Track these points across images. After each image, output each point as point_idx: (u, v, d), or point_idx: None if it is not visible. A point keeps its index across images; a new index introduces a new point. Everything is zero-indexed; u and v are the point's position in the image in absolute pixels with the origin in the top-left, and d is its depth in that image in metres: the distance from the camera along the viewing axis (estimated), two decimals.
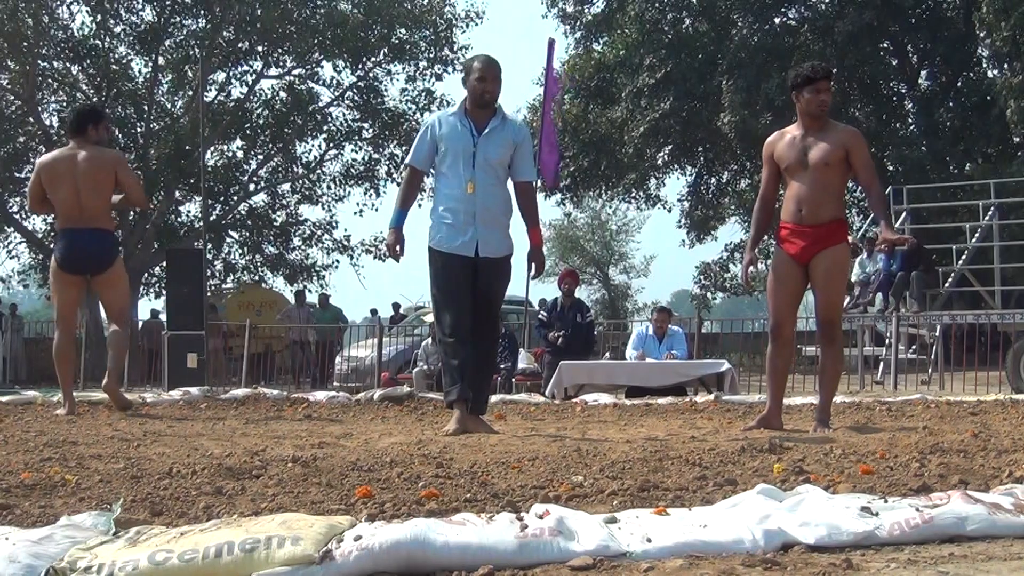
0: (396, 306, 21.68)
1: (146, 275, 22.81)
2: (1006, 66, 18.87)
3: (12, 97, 22.00)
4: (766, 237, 7.41)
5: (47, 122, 22.31)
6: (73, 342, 7.02)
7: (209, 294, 15.30)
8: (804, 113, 5.18)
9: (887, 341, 13.10)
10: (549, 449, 4.02)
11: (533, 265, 5.42)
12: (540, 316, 11.98)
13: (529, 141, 5.45)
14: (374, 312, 21.34)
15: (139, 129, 22.35)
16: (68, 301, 6.77)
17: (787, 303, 5.29)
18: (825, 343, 5.37)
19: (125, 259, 21.46)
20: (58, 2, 22.09)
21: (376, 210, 34.94)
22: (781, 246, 5.26)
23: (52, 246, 6.69)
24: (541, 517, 2.12)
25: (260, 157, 24.27)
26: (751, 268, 5.41)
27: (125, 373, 14.90)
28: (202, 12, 22.48)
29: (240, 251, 24.43)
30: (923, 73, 23.51)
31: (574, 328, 11.12)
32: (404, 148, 23.10)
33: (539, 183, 12.89)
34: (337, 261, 24.74)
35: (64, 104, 22.62)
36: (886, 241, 5.40)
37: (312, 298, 20.72)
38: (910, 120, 23.37)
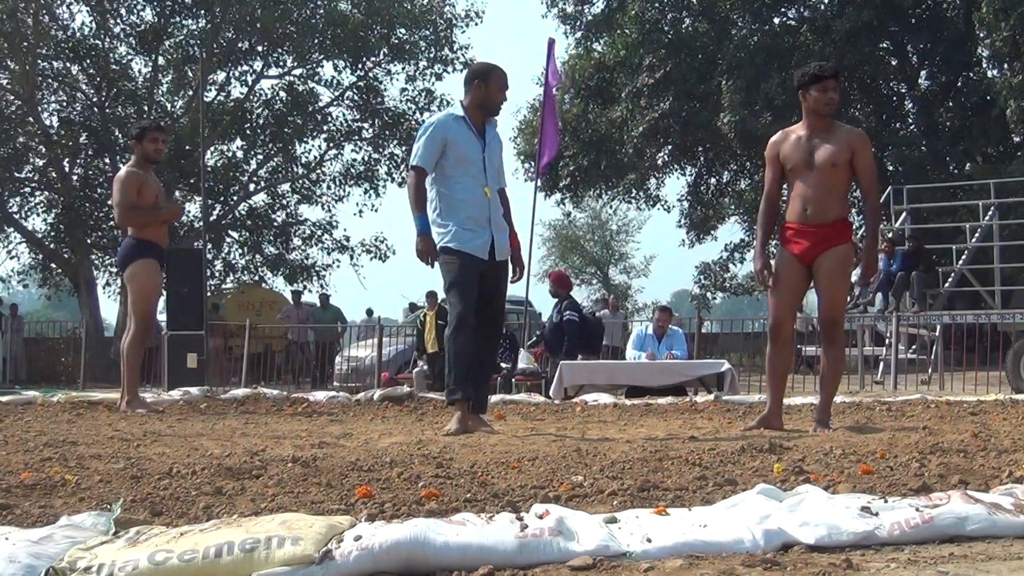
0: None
1: None
2: (1006, 66, 18.86)
3: (12, 97, 22.00)
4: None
5: (47, 122, 22.33)
6: (122, 334, 7.46)
7: (209, 294, 15.30)
8: (811, 112, 5.13)
9: (887, 341, 13.09)
10: (549, 449, 4.02)
11: (515, 268, 5.48)
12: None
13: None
14: (370, 312, 21.30)
15: None
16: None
17: (788, 303, 5.27)
18: (827, 343, 5.36)
19: None
20: (58, 2, 22.11)
21: (375, 210, 35.03)
22: (785, 246, 5.24)
23: None
24: (541, 517, 2.12)
25: (260, 157, 24.27)
26: (765, 271, 5.28)
27: None
28: (202, 12, 22.49)
29: (240, 251, 24.42)
30: (923, 73, 23.51)
31: (551, 327, 11.28)
32: (404, 148, 23.09)
33: (542, 166, 12.97)
34: (337, 261, 24.76)
35: (64, 104, 22.64)
36: (868, 264, 5.44)
37: (312, 298, 20.70)
38: (910, 120, 23.37)
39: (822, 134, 5.11)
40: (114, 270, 21.10)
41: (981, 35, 18.96)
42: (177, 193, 22.85)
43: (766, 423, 5.20)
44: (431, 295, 14.03)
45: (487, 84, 5.23)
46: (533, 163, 17.04)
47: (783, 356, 5.37)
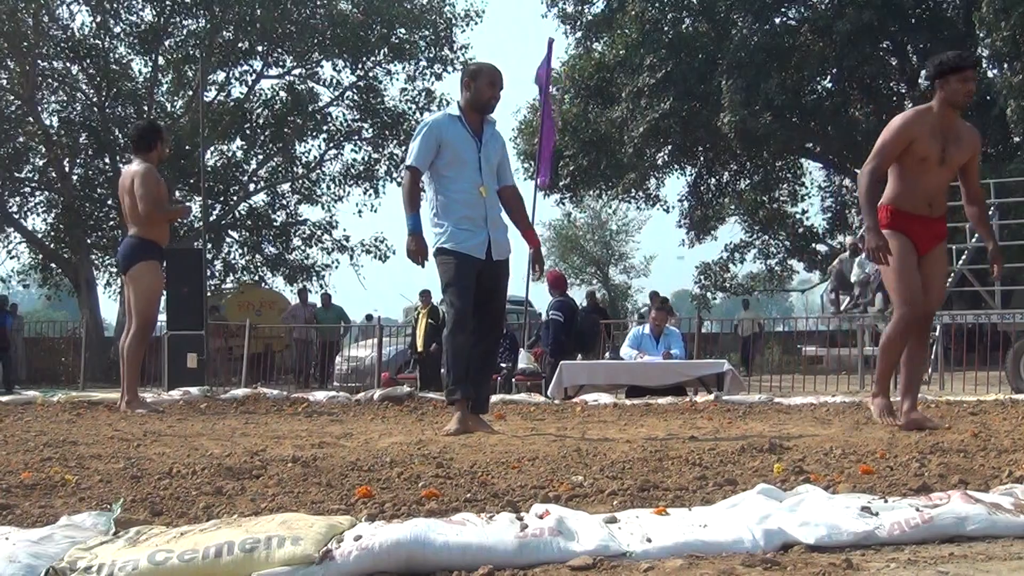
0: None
1: None
2: (1006, 66, 18.85)
3: (12, 97, 22.00)
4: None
5: (47, 122, 22.33)
6: (123, 335, 7.27)
7: (209, 294, 15.32)
8: (947, 103, 4.95)
9: None
10: (549, 449, 4.02)
11: (536, 266, 5.47)
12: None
13: (506, 147, 5.61)
14: (369, 317, 21.31)
15: None
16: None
17: (919, 284, 5.06)
18: (924, 336, 5.34)
19: None
20: (58, 2, 22.11)
21: (375, 211, 35.02)
22: (903, 231, 5.05)
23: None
24: (541, 517, 2.12)
25: (260, 157, 24.28)
26: (884, 250, 4.93)
27: None
28: (202, 12, 22.49)
29: (240, 251, 24.43)
30: (923, 73, 23.48)
31: (542, 326, 11.73)
32: (404, 148, 23.09)
33: (539, 182, 12.92)
34: (337, 261, 24.77)
35: (64, 104, 22.64)
36: (997, 261, 5.35)
37: (314, 298, 20.69)
38: None
39: (953, 130, 5.00)
40: (114, 270, 21.11)
41: (981, 35, 18.96)
42: (177, 193, 22.90)
43: (918, 425, 4.94)
44: (424, 293, 14.06)
45: (476, 82, 5.23)
46: (533, 163, 16.99)
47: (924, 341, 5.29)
